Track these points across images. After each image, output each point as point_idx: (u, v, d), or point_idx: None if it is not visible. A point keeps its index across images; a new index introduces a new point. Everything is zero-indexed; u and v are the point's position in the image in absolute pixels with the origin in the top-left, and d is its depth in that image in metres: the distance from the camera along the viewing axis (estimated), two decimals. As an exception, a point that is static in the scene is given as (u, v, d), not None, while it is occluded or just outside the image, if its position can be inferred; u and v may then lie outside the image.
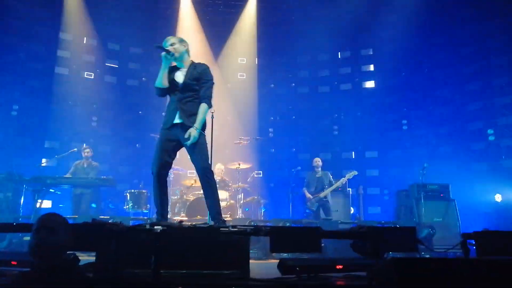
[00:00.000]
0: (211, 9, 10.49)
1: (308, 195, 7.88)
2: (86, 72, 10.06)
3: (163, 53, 3.73)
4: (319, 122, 10.67)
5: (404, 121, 10.02)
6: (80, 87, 9.79)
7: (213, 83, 3.87)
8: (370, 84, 10.61)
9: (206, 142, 3.83)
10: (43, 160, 7.52)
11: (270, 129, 10.95)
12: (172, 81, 3.83)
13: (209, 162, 3.78)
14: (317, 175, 8.00)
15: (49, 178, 6.67)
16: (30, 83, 9.48)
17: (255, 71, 11.23)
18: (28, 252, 1.98)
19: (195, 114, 3.74)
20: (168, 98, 3.96)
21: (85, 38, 10.02)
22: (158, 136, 3.92)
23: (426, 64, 9.77)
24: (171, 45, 3.81)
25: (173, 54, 3.77)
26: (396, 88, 10.11)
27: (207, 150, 3.80)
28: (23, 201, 6.48)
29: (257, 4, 10.56)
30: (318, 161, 8.09)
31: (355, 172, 7.87)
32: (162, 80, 3.78)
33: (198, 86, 3.78)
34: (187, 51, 3.91)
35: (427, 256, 4.98)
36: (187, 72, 3.82)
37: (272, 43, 11.01)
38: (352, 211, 8.33)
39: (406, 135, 9.90)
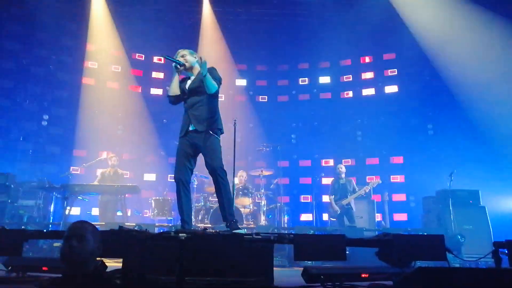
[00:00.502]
0: (232, 17, 10.60)
1: (332, 202, 7.80)
2: (111, 82, 10.34)
3: (173, 64, 3.91)
4: (342, 127, 10.55)
5: (430, 126, 9.79)
6: (106, 97, 10.05)
7: (220, 82, 3.93)
8: (393, 88, 10.44)
9: (220, 146, 3.89)
10: (71, 169, 7.73)
11: (293, 135, 10.91)
12: (183, 90, 3.99)
13: (222, 163, 3.82)
14: (340, 182, 7.91)
15: (77, 186, 6.88)
16: (59, 94, 9.83)
17: (277, 78, 11.29)
18: (59, 258, 2.04)
19: (206, 119, 3.81)
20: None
21: (110, 49, 10.31)
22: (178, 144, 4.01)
23: (451, 66, 9.52)
24: (182, 56, 3.99)
25: (183, 64, 3.94)
26: (420, 92, 9.90)
27: (220, 153, 3.86)
28: (53, 208, 6.69)
29: (278, 11, 10.59)
30: (341, 168, 8.01)
31: (379, 181, 7.76)
32: (172, 89, 3.99)
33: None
34: (198, 62, 4.03)
35: (456, 265, 4.83)
36: (194, 78, 3.97)
37: (294, 49, 11.01)
38: (378, 218, 8.17)
39: (432, 140, 9.65)
